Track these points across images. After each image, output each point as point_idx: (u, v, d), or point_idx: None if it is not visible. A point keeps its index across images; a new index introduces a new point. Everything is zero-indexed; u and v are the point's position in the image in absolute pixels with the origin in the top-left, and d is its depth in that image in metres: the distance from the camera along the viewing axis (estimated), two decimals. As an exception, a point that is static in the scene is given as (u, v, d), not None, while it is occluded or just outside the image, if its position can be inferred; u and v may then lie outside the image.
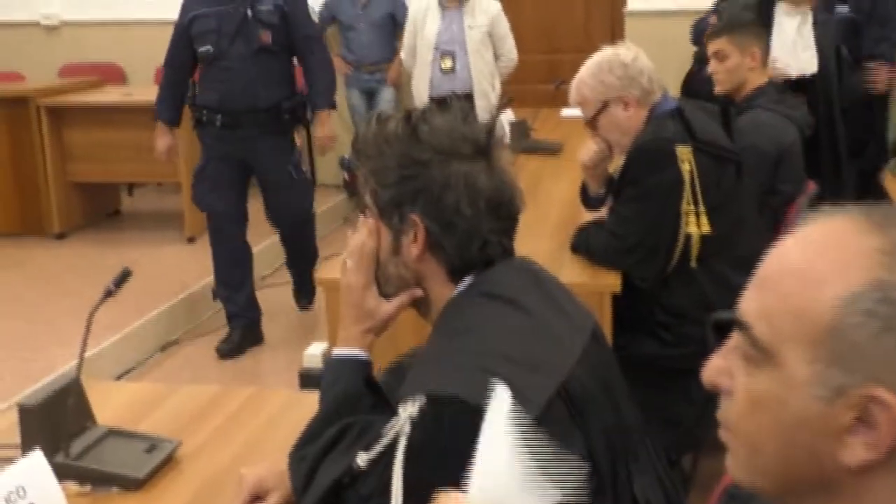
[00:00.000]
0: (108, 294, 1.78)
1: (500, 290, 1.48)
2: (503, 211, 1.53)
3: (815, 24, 4.31)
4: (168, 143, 4.72)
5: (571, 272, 2.80)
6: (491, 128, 1.55)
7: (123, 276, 1.80)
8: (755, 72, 3.55)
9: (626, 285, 2.75)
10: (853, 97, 4.64)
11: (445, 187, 1.49)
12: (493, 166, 1.52)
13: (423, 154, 1.50)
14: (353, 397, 1.52)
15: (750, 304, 0.89)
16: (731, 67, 3.55)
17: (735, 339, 0.90)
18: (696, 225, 2.71)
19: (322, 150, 4.98)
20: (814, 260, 0.85)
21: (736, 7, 4.45)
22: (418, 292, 1.56)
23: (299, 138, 4.77)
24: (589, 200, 3.14)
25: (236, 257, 4.67)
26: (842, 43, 4.43)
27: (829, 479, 0.84)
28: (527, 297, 1.48)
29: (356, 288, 1.58)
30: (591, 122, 2.90)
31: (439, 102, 5.05)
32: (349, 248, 1.60)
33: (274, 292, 5.23)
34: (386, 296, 1.59)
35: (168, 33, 4.61)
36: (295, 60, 4.68)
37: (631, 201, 2.76)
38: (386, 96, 7.01)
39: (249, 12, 4.41)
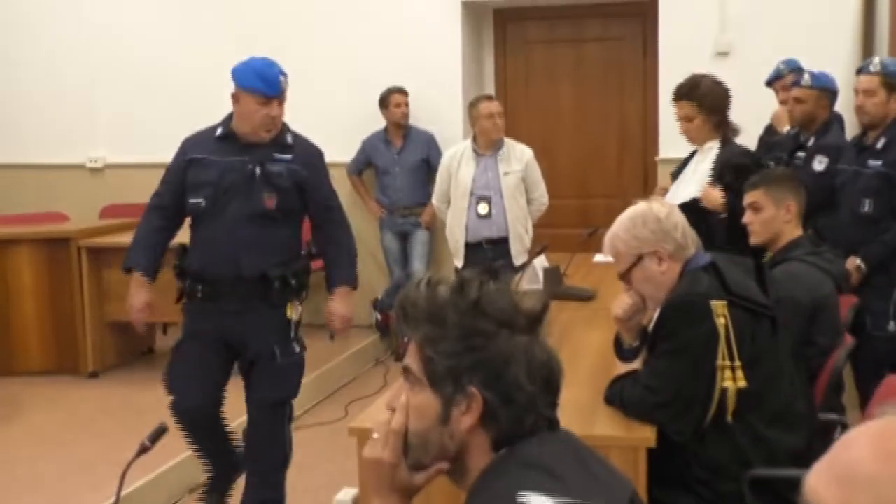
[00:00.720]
0: (144, 450, 1.78)
1: (538, 459, 1.47)
2: (553, 384, 1.54)
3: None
4: (144, 299, 3.88)
5: (605, 425, 2.77)
6: (547, 302, 1.55)
7: (159, 433, 1.81)
8: (790, 224, 3.57)
9: (661, 439, 2.71)
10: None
11: (509, 361, 1.48)
12: (541, 339, 1.53)
13: (488, 326, 1.48)
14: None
15: (830, 497, 0.86)
16: (766, 219, 3.58)
17: None
18: (731, 380, 2.67)
19: (336, 331, 4.07)
20: None
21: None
22: (445, 466, 1.54)
23: (295, 312, 3.94)
24: (623, 353, 3.12)
25: (209, 448, 4.05)
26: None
27: None
28: (564, 468, 1.47)
29: (387, 465, 1.55)
30: (625, 276, 2.90)
31: (474, 246, 4.96)
32: (379, 421, 1.59)
33: (302, 434, 5.19)
34: (419, 463, 1.55)
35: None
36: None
37: (665, 356, 2.74)
38: (420, 238, 7.10)
39: (258, 170, 3.78)
